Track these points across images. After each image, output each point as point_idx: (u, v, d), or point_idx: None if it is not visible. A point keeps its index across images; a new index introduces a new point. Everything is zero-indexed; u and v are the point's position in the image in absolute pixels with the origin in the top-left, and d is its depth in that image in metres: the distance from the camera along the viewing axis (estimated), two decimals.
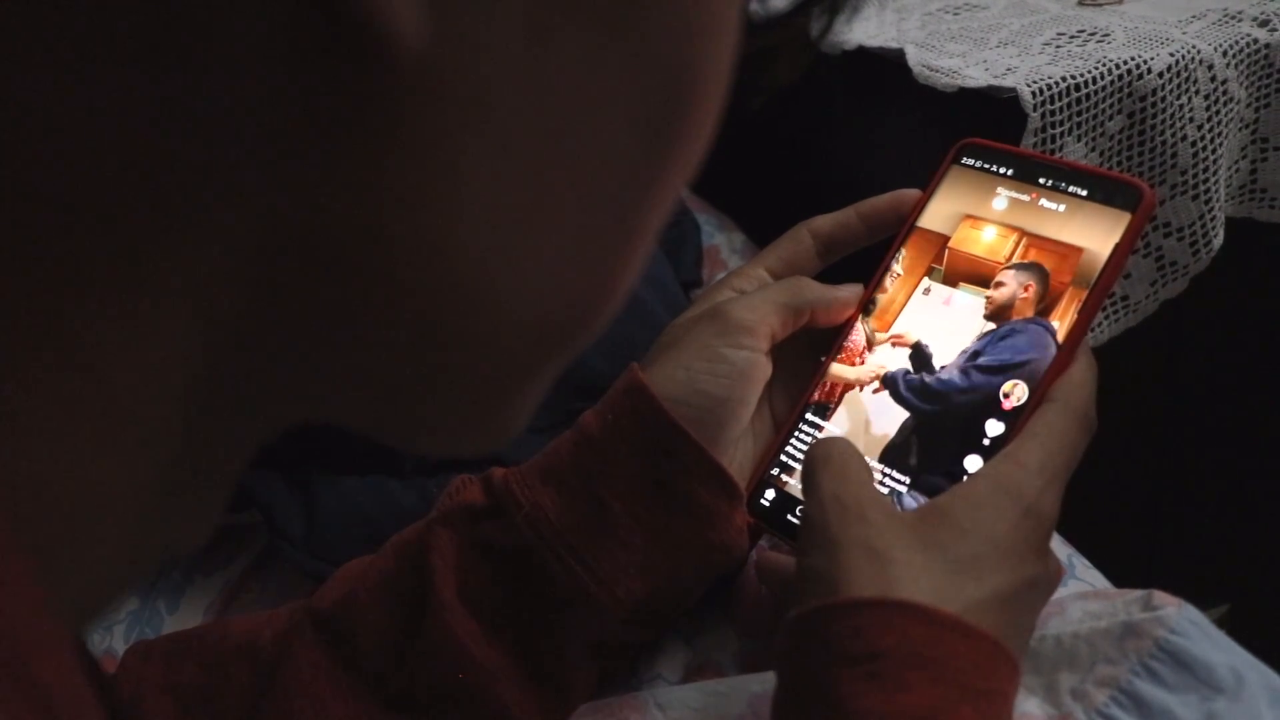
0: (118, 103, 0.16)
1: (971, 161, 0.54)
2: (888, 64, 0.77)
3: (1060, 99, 0.69)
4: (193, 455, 0.20)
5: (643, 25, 0.20)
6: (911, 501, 0.48)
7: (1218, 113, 0.74)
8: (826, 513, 0.42)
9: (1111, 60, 0.70)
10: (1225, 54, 0.73)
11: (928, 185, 0.55)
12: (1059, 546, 0.57)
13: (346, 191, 0.18)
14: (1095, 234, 0.49)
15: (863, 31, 0.80)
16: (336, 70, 0.17)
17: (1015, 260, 0.50)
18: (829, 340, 0.54)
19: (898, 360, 0.51)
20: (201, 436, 0.20)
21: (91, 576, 0.20)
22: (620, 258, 0.23)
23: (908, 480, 0.49)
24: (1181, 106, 0.72)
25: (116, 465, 0.19)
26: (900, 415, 0.50)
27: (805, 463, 0.45)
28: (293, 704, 0.47)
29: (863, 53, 0.79)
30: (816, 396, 0.53)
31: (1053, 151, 0.70)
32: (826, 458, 0.44)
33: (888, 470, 0.49)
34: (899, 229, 0.55)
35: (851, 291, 0.54)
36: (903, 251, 0.54)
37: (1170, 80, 0.71)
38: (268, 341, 0.20)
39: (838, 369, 0.53)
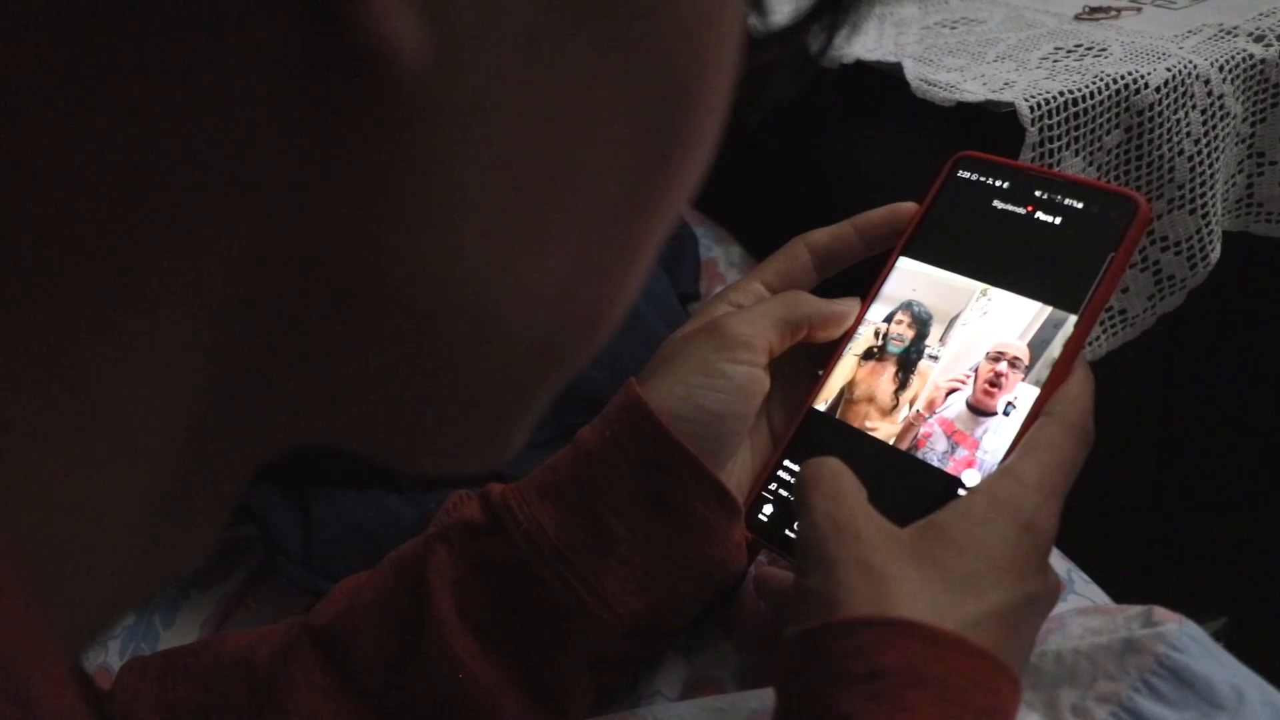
0: (116, 119, 0.16)
1: (968, 174, 0.54)
2: (885, 78, 0.77)
3: (1058, 113, 0.69)
4: (191, 476, 0.20)
5: (644, 43, 0.20)
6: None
7: (1214, 127, 0.74)
8: (821, 532, 0.42)
9: (1109, 75, 0.71)
10: (1221, 69, 0.73)
11: (924, 198, 0.55)
12: (1057, 561, 0.57)
13: (345, 209, 0.18)
14: (1091, 246, 0.49)
15: (861, 45, 0.81)
16: (336, 86, 0.17)
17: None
18: (826, 354, 0.54)
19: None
20: (200, 457, 0.20)
21: (90, 597, 0.20)
22: (620, 276, 0.23)
23: None
24: (1178, 121, 0.72)
25: (115, 486, 0.19)
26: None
27: (797, 483, 0.45)
28: None
29: (861, 66, 0.79)
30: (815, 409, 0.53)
31: (1050, 166, 0.70)
32: (818, 477, 0.44)
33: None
34: (895, 242, 0.55)
35: (848, 305, 0.54)
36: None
37: (1167, 95, 0.71)
38: (266, 361, 0.20)
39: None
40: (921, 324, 0.52)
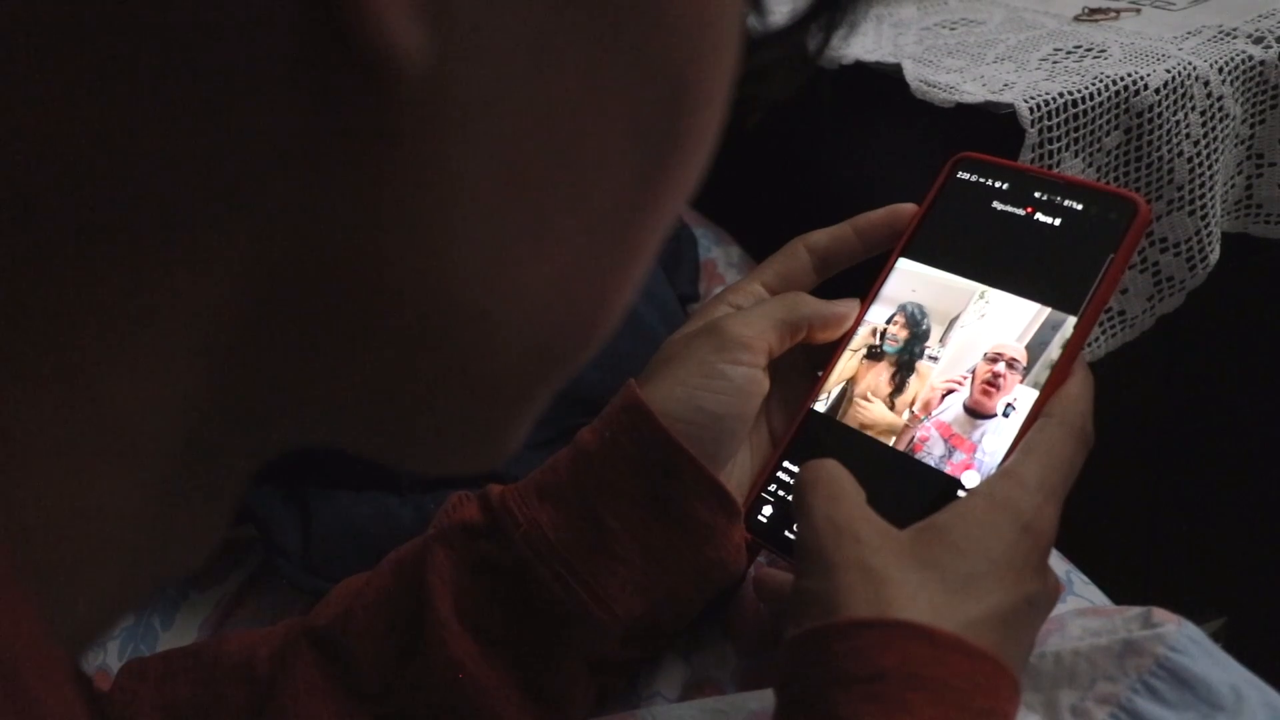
0: (119, 125, 0.16)
1: (967, 176, 0.54)
2: (885, 79, 0.77)
3: (1057, 115, 0.69)
4: (192, 477, 0.20)
5: (644, 46, 0.20)
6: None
7: (1213, 129, 0.74)
8: (820, 535, 0.42)
9: (1108, 76, 0.71)
10: (1221, 70, 0.73)
11: (924, 199, 0.55)
12: (1057, 563, 0.57)
13: (345, 211, 0.18)
14: (1090, 247, 0.49)
15: (860, 46, 0.81)
16: (338, 90, 0.17)
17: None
18: (826, 355, 0.54)
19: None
20: (201, 459, 0.20)
21: (91, 598, 0.20)
22: (618, 277, 0.23)
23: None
24: (1178, 122, 0.72)
25: (115, 487, 0.19)
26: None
27: (795, 486, 0.45)
28: None
29: (860, 67, 0.79)
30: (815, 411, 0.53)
31: (1050, 167, 0.70)
32: (815, 480, 0.44)
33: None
34: (895, 243, 0.55)
35: (848, 306, 0.54)
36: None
37: (1166, 96, 0.71)
38: (267, 363, 0.20)
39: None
40: (921, 325, 0.52)
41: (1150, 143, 0.72)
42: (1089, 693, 0.46)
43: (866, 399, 0.52)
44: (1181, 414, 0.93)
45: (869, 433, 0.51)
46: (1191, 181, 0.74)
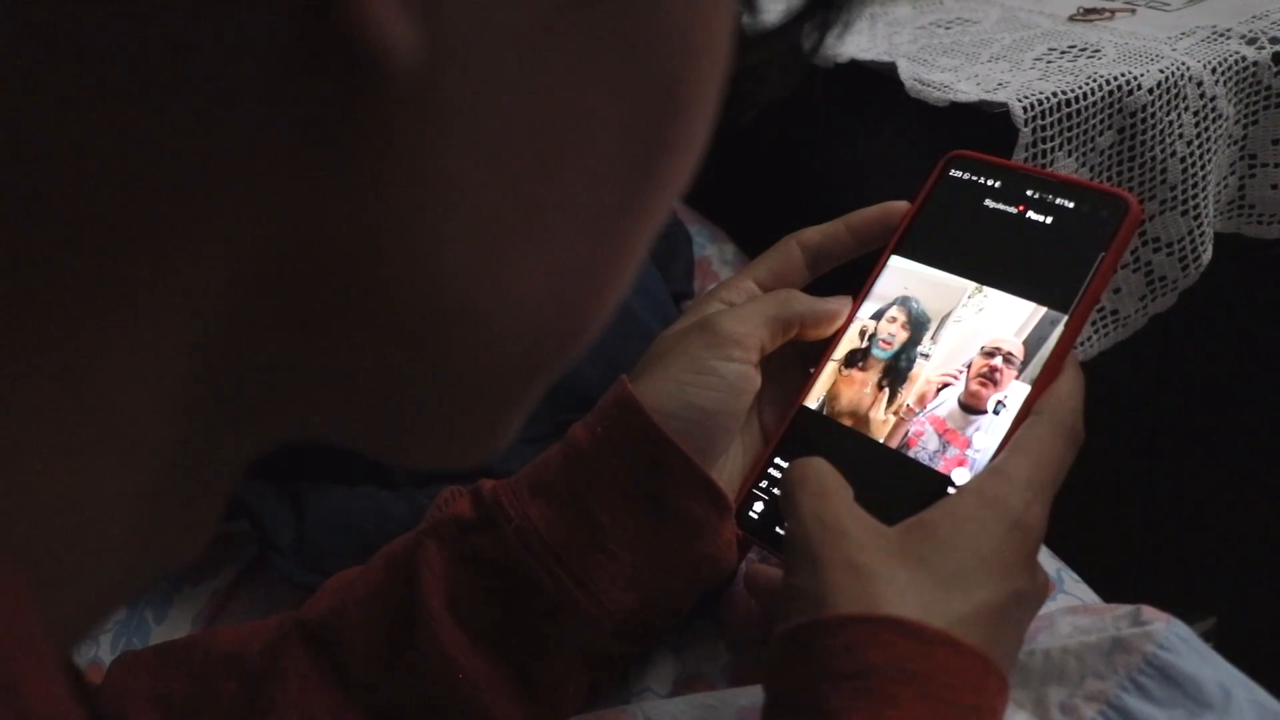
0: (114, 118, 0.16)
1: (960, 173, 0.54)
2: (880, 77, 0.77)
3: (1051, 114, 0.70)
4: (185, 470, 0.20)
5: (635, 42, 0.20)
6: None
7: (1206, 129, 0.74)
8: (808, 532, 0.42)
9: (1102, 76, 0.71)
10: (1214, 71, 0.73)
11: (916, 197, 0.55)
12: (1047, 561, 0.58)
13: (337, 206, 0.18)
14: (1082, 245, 0.49)
15: (855, 45, 0.81)
16: (331, 85, 0.17)
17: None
18: (818, 352, 0.54)
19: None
20: (194, 452, 0.20)
21: (84, 591, 0.20)
22: (610, 273, 0.23)
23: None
24: (1171, 123, 0.72)
25: (109, 480, 0.19)
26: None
27: (783, 484, 0.45)
28: (280, 715, 0.47)
29: (855, 66, 0.79)
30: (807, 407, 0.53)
31: (1043, 166, 0.71)
32: (804, 478, 0.44)
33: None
34: (887, 241, 0.55)
35: (839, 304, 0.54)
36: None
37: (1160, 96, 0.72)
38: (260, 357, 0.20)
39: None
40: (913, 322, 0.52)
41: (1143, 143, 0.72)
42: (1078, 690, 0.46)
43: (858, 396, 0.52)
44: (1174, 413, 0.93)
45: (860, 429, 0.51)
46: (1184, 181, 0.74)
